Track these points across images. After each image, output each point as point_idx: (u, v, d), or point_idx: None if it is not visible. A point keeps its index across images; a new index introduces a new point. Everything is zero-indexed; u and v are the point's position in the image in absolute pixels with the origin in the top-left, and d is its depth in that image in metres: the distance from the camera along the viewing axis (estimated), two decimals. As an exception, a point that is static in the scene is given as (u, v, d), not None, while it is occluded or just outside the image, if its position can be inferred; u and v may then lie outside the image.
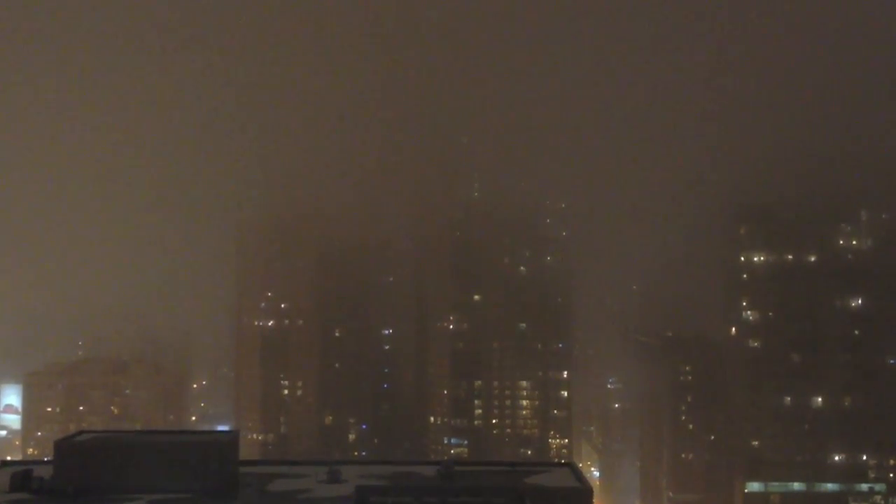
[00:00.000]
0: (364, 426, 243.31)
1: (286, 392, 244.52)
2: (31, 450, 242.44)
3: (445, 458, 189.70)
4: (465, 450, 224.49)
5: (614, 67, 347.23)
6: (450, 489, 51.09)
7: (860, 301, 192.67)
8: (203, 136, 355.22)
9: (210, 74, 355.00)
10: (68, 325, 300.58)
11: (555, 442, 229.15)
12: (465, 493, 50.91)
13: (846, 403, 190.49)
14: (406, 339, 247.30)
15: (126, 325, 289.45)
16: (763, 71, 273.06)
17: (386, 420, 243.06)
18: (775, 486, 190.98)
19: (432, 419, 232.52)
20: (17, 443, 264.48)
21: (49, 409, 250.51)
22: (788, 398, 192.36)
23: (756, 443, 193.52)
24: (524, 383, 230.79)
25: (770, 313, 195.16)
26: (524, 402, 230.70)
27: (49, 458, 54.14)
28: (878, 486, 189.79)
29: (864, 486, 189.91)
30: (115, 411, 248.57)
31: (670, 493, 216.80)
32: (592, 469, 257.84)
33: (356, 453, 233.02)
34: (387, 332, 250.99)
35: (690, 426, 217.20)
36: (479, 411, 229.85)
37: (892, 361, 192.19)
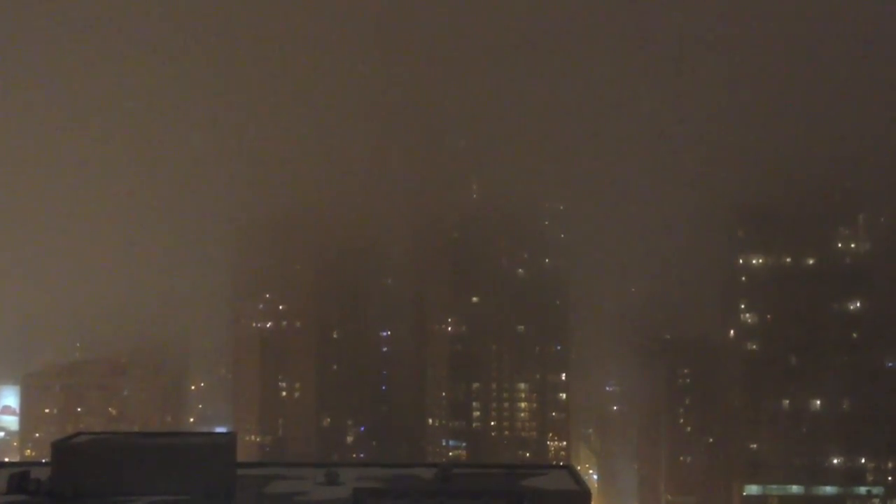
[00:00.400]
0: (362, 428, 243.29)
1: (284, 394, 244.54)
2: (28, 451, 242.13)
3: (443, 460, 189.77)
4: (464, 452, 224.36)
5: (613, 69, 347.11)
6: (448, 491, 50.98)
7: (858, 304, 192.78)
8: (201, 137, 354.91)
9: (208, 76, 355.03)
10: (66, 326, 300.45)
11: (553, 444, 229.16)
12: (463, 496, 50.81)
13: (844, 406, 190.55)
14: (404, 342, 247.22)
15: (124, 327, 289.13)
16: (762, 74, 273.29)
17: (384, 422, 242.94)
18: (773, 489, 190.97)
19: (430, 421, 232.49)
20: (14, 444, 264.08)
21: (47, 411, 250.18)
22: (787, 401, 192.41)
23: (754, 445, 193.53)
24: (522, 385, 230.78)
25: (768, 316, 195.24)
26: (522, 405, 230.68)
27: (46, 460, 54.02)
28: (876, 490, 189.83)
29: (863, 490, 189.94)
30: (113, 413, 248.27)
31: (668, 496, 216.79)
32: (590, 471, 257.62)
33: (354, 455, 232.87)
34: (385, 334, 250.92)
35: (688, 429, 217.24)
36: (478, 413, 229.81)
37: (890, 364, 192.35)
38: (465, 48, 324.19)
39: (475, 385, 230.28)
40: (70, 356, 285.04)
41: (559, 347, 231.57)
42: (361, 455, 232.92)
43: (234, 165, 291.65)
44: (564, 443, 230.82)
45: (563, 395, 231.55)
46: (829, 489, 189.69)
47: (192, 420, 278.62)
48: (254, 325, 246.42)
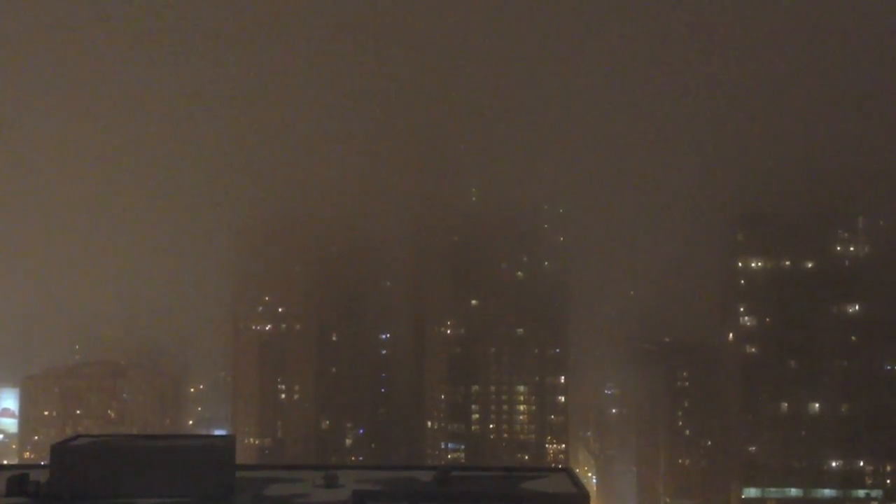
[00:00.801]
0: (361, 431, 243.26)
1: (283, 396, 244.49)
2: (27, 454, 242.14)
3: (442, 462, 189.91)
4: (462, 455, 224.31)
5: (612, 73, 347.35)
6: (446, 494, 51.13)
7: (857, 307, 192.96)
8: (201, 140, 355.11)
9: (208, 78, 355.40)
10: (65, 328, 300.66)
11: (552, 447, 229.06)
12: (461, 499, 50.97)
13: (843, 409, 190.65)
14: (403, 344, 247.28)
15: (123, 329, 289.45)
16: (761, 78, 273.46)
17: (383, 424, 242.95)
18: (772, 492, 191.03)
19: (429, 424, 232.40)
20: (13, 446, 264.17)
21: (46, 413, 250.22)
22: (785, 404, 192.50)
23: (753, 448, 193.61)
24: (521, 388, 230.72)
25: (767, 319, 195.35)
26: (521, 408, 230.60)
27: (45, 462, 54.11)
28: (875, 493, 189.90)
29: (861, 493, 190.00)
30: (112, 415, 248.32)
31: (667, 499, 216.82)
32: (589, 474, 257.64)
33: (353, 458, 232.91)
34: (384, 336, 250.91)
35: (687, 432, 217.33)
36: (477, 416, 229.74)
37: (888, 367, 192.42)
38: (465, 52, 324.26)
39: (474, 387, 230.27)
40: (69, 359, 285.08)
41: (558, 350, 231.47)
42: (360, 457, 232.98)
43: (234, 169, 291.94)
44: (563, 445, 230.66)
45: (562, 398, 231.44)
46: (827, 492, 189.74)
47: (191, 422, 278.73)
48: (253, 327, 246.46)
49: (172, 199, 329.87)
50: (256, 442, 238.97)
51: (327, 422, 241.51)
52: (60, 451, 51.20)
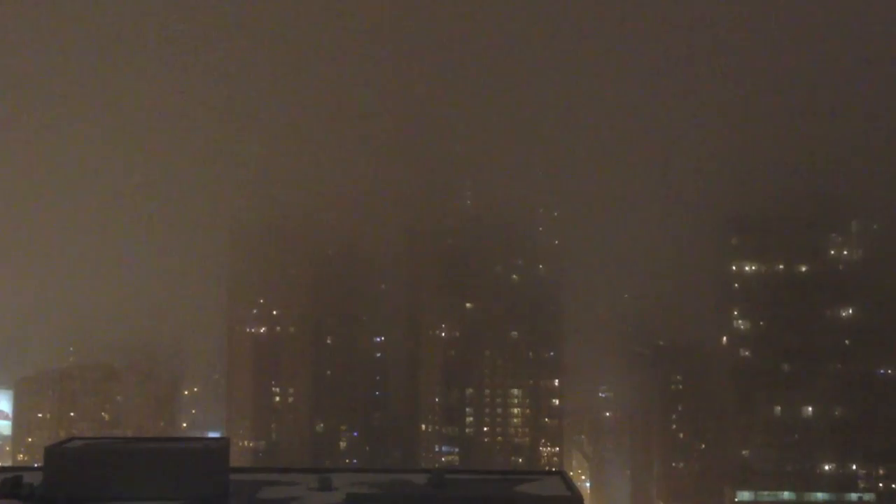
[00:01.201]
0: (355, 434, 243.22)
1: (277, 399, 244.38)
2: (21, 456, 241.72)
3: (436, 466, 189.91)
4: (457, 458, 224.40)
5: (607, 77, 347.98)
6: (441, 497, 51.20)
7: (851, 311, 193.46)
8: (196, 142, 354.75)
9: (205, 80, 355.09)
10: (59, 331, 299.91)
11: (546, 450, 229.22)
12: (455, 502, 51.04)
13: (836, 413, 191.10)
14: (398, 347, 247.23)
15: (118, 332, 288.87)
16: (755, 82, 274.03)
17: (377, 428, 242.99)
18: (765, 496, 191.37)
19: (424, 427, 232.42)
20: (7, 449, 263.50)
21: (40, 416, 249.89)
22: (779, 408, 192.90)
23: (746, 452, 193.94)
24: (515, 391, 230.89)
25: (761, 323, 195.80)
26: (515, 411, 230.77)
27: (39, 465, 54.09)
28: (868, 496, 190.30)
29: (854, 496, 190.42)
30: (106, 418, 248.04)
31: (661, 502, 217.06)
32: (583, 477, 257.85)
33: (347, 461, 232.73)
34: (379, 339, 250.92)
35: (681, 435, 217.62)
36: (471, 419, 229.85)
37: (882, 371, 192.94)
38: (460, 55, 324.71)
39: (468, 391, 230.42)
40: (63, 361, 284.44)
41: (552, 353, 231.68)
42: (355, 461, 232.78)
43: (228, 171, 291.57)
44: (557, 448, 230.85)
45: (556, 401, 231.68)
46: (820, 496, 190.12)
47: (185, 425, 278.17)
48: (247, 330, 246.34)
49: (167, 201, 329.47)
50: (251, 445, 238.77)
51: (322, 425, 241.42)
52: (54, 454, 51.16)
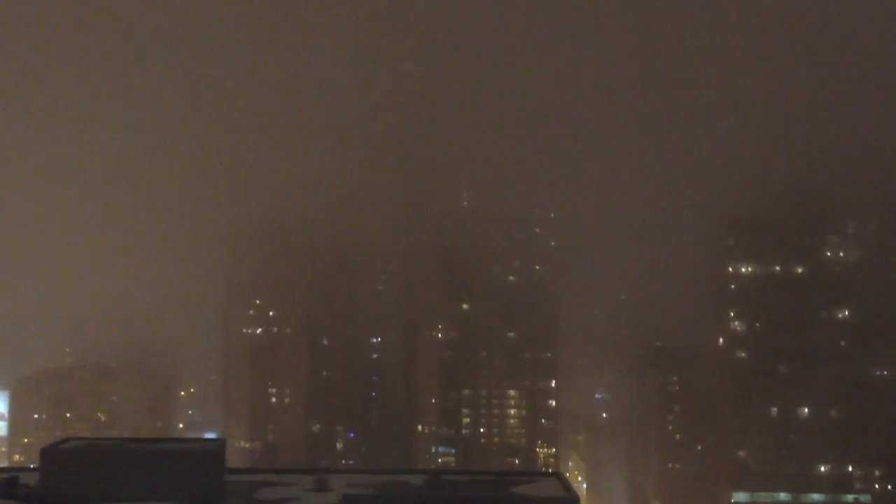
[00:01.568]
0: (352, 434, 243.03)
1: (274, 400, 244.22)
2: (17, 456, 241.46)
3: (433, 467, 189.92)
4: (453, 459, 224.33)
5: (604, 78, 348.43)
6: (437, 498, 51.23)
7: (847, 312, 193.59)
8: (192, 143, 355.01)
9: (202, 81, 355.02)
10: (56, 331, 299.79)
11: (542, 451, 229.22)
12: (452, 503, 51.07)
13: (833, 414, 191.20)
14: (394, 348, 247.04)
15: (114, 333, 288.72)
16: (751, 83, 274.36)
17: (374, 428, 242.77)
18: (761, 497, 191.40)
19: (420, 428, 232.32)
20: (3, 449, 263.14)
21: (36, 416, 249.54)
22: (775, 409, 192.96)
23: (743, 453, 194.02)
24: (512, 392, 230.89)
25: (757, 324, 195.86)
26: (512, 412, 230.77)
27: (35, 465, 54.05)
28: (864, 497, 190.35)
29: (850, 497, 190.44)
30: (103, 418, 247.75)
31: (657, 503, 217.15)
32: (580, 479, 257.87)
33: (344, 461, 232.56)
34: (375, 340, 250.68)
35: (677, 436, 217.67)
36: (467, 420, 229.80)
37: (878, 373, 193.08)
38: (456, 56, 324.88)
39: (465, 391, 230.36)
40: (60, 362, 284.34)
41: (549, 354, 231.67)
42: (351, 461, 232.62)
43: (225, 172, 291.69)
44: (554, 450, 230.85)
45: (553, 402, 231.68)
46: (816, 497, 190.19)
47: (181, 426, 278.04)
48: (244, 331, 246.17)
49: (163, 202, 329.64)
50: (247, 445, 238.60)
51: (318, 425, 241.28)
52: (50, 454, 51.15)
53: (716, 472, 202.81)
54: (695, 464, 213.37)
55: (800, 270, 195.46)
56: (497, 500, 52.15)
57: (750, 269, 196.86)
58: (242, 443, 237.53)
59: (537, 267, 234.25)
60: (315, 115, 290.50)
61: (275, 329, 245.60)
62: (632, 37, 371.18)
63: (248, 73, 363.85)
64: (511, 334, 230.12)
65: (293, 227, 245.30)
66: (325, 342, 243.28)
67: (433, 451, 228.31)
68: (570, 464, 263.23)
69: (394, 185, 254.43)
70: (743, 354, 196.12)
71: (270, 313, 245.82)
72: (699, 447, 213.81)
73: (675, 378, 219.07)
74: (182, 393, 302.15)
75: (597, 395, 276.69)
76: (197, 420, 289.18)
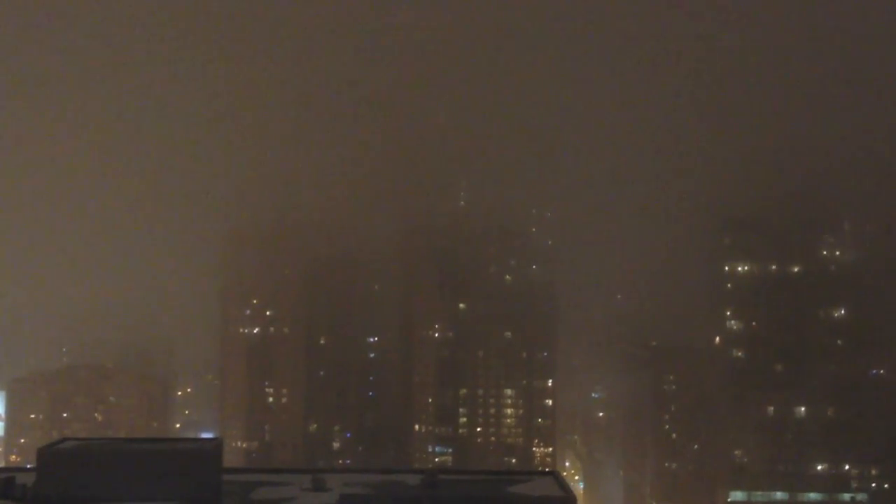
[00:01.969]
0: (349, 434, 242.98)
1: (271, 400, 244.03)
2: (13, 457, 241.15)
3: (430, 466, 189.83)
4: (450, 458, 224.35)
5: (600, 79, 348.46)
6: (434, 498, 51.24)
7: (843, 312, 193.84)
8: (189, 144, 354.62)
9: (198, 82, 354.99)
10: (52, 332, 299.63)
11: (539, 450, 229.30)
12: (449, 502, 51.10)
13: (829, 413, 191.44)
14: (391, 348, 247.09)
15: (111, 333, 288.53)
16: (748, 83, 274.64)
17: (371, 428, 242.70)
18: (758, 496, 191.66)
19: (417, 427, 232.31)
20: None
21: (32, 416, 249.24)
22: (772, 408, 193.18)
23: (739, 452, 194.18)
24: (509, 392, 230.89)
25: (754, 323, 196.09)
26: (509, 411, 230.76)
27: (32, 466, 53.98)
28: (860, 496, 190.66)
29: (847, 496, 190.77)
30: (99, 418, 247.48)
31: (654, 502, 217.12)
32: (576, 478, 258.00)
33: (341, 461, 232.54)
34: (372, 340, 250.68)
35: (674, 435, 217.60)
36: (464, 419, 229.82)
37: (874, 372, 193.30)
38: (452, 55, 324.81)
39: (462, 391, 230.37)
40: (56, 362, 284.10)
41: (546, 354, 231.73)
42: (348, 461, 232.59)
43: (221, 172, 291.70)
44: (550, 449, 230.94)
45: (550, 402, 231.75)
46: (813, 496, 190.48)
47: (178, 426, 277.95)
48: (241, 330, 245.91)
49: (160, 202, 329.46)
50: (244, 445, 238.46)
51: (315, 425, 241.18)
52: (47, 455, 51.08)
53: (712, 471, 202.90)
54: (691, 462, 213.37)
55: (796, 269, 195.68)
56: (494, 500, 52.17)
57: (746, 268, 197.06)
58: (239, 443, 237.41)
59: (534, 266, 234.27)
60: (312, 114, 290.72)
61: (271, 329, 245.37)
62: (628, 36, 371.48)
63: (244, 72, 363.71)
64: (508, 334, 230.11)
65: (290, 226, 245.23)
66: (322, 342, 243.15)
67: (430, 450, 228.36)
68: (566, 463, 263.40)
69: (391, 185, 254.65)
70: (739, 353, 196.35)
71: (267, 313, 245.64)
72: (696, 446, 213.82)
73: (671, 377, 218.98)
74: (179, 393, 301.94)
75: (593, 395, 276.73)
76: (194, 420, 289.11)
